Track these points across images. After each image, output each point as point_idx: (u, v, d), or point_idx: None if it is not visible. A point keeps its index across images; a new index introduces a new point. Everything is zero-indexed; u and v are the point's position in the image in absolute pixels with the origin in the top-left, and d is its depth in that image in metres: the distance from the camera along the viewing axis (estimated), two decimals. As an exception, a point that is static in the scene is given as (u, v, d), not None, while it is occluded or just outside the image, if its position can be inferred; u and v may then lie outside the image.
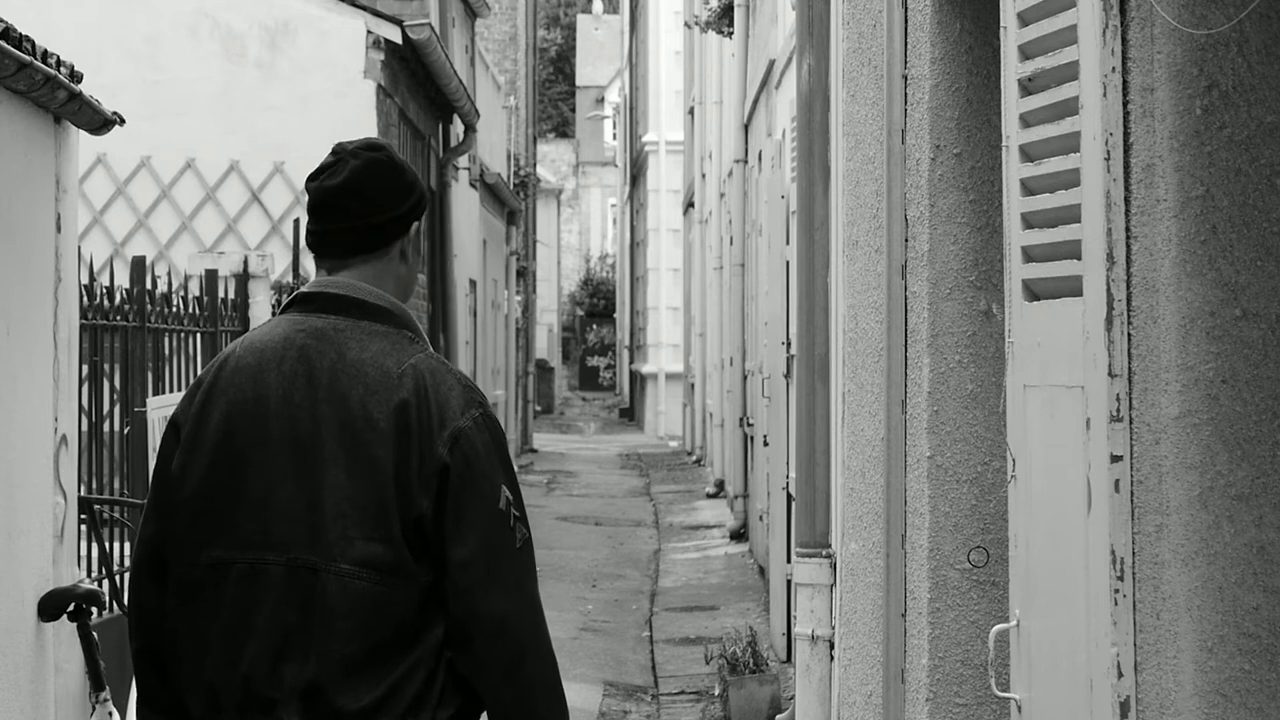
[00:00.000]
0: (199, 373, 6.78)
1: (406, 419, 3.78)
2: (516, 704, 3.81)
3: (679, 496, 24.64)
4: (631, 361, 46.45)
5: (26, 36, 5.69)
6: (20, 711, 5.92)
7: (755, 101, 16.66)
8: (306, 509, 3.79)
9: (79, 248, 6.74)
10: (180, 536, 3.87)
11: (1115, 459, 3.91)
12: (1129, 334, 3.91)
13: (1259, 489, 3.74)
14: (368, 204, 3.92)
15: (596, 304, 59.45)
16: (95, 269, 8.05)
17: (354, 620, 3.75)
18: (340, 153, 3.94)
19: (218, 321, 9.45)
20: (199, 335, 9.20)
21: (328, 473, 3.79)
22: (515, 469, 3.93)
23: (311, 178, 3.95)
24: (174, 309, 8.78)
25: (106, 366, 7.87)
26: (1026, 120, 4.43)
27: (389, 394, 3.80)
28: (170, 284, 8.89)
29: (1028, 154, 4.43)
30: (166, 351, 8.66)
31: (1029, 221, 4.44)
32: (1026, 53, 4.43)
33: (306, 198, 3.97)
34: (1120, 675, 3.90)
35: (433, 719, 3.77)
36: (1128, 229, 3.91)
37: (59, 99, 6.08)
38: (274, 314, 10.09)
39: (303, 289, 3.97)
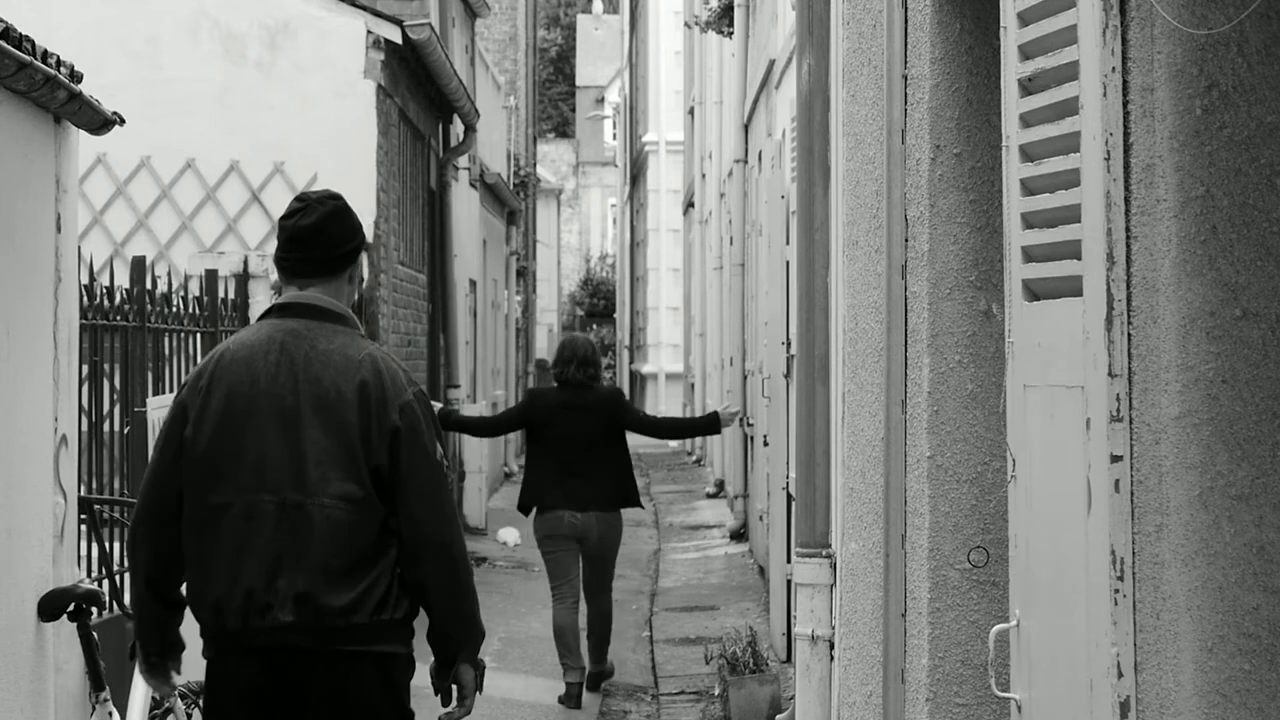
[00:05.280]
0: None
1: (367, 393, 5.10)
2: (452, 607, 5.16)
3: (679, 496, 24.64)
4: (631, 361, 46.45)
5: (26, 36, 5.69)
6: (20, 711, 5.92)
7: (755, 101, 16.66)
8: (292, 460, 5.06)
9: (79, 248, 6.74)
10: (191, 486, 5.13)
11: (1115, 459, 3.91)
12: (1129, 334, 3.91)
13: (1259, 489, 3.74)
14: (332, 240, 5.25)
15: (596, 304, 59.44)
16: (95, 269, 8.04)
17: (334, 540, 5.03)
18: (307, 200, 5.28)
19: (218, 321, 9.45)
20: (199, 335, 9.20)
21: (308, 434, 5.08)
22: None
23: (285, 217, 5.27)
24: (174, 309, 8.77)
25: (106, 366, 7.87)
26: (1026, 120, 4.43)
27: (352, 375, 5.12)
28: (170, 284, 8.88)
29: (1028, 154, 4.43)
30: (166, 351, 8.66)
31: (1029, 221, 4.44)
32: (1026, 53, 4.43)
33: (279, 233, 5.27)
34: (1120, 675, 3.90)
35: (391, 617, 5.08)
36: (1128, 229, 3.91)
37: (59, 99, 6.08)
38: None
39: (278, 301, 5.29)
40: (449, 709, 5.27)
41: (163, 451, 5.24)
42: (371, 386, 5.08)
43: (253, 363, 5.14)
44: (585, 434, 11.35)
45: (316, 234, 5.23)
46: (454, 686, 5.25)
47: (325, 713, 5.08)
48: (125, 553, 5.43)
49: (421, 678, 5.24)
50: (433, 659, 5.24)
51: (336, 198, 5.32)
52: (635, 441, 12.02)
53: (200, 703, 7.07)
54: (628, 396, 55.90)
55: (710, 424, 12.40)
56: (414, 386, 5.17)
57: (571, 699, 11.25)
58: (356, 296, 5.45)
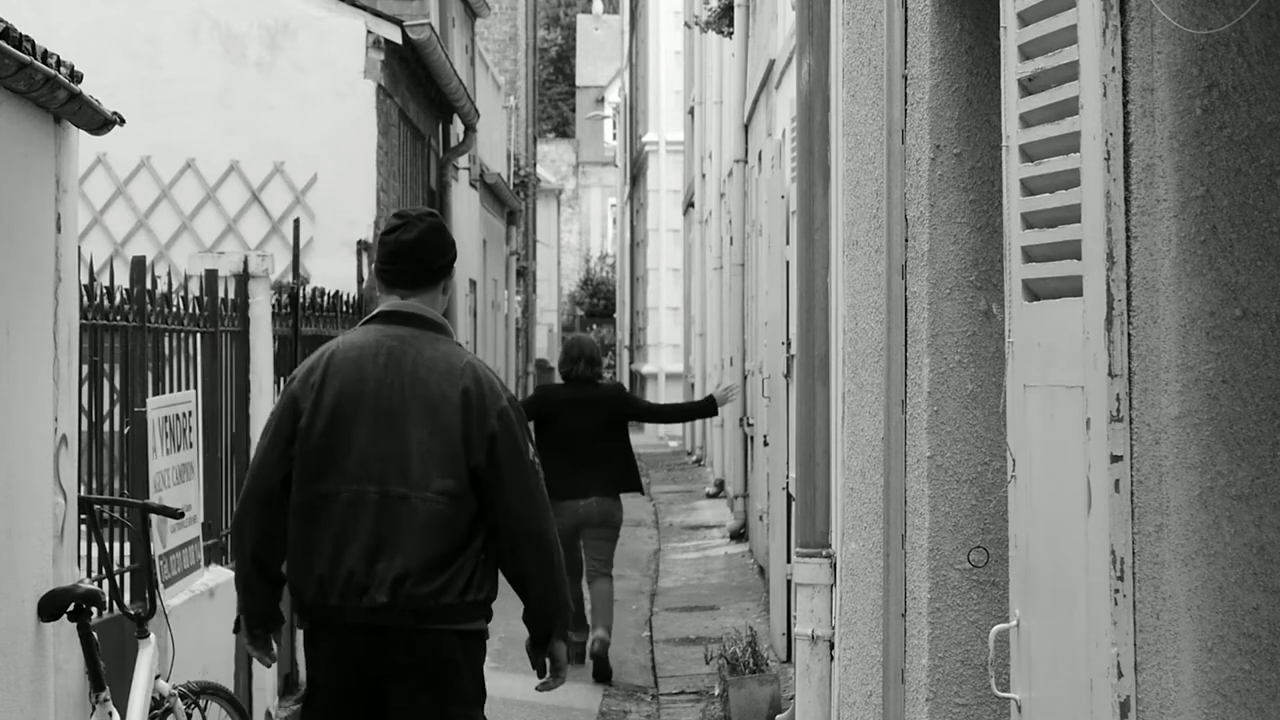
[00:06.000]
0: (200, 371, 9.13)
1: (469, 399, 5.65)
2: (548, 590, 5.71)
3: (679, 496, 24.63)
4: (631, 361, 46.44)
5: (26, 36, 5.69)
6: (20, 711, 5.92)
7: (755, 101, 16.65)
8: (397, 456, 5.62)
9: (79, 248, 6.74)
10: (303, 473, 5.67)
11: (1115, 459, 3.91)
12: (1129, 334, 3.91)
13: (1259, 489, 3.74)
14: (431, 252, 5.80)
15: (596, 304, 59.45)
16: (95, 269, 8.03)
17: (434, 529, 5.59)
18: (408, 216, 5.82)
19: (218, 321, 9.45)
20: (199, 335, 9.20)
21: (414, 433, 5.63)
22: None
23: (388, 232, 5.80)
24: (174, 309, 8.76)
25: (106, 366, 7.86)
26: (1026, 120, 4.43)
27: (456, 381, 5.67)
28: (170, 284, 8.87)
29: (1028, 154, 4.43)
30: (166, 351, 8.65)
31: (1029, 221, 4.44)
32: (1026, 53, 4.43)
33: (380, 247, 5.81)
34: (1120, 675, 3.90)
35: (474, 598, 5.63)
36: (1128, 229, 3.91)
37: (59, 99, 6.08)
38: (274, 314, 10.11)
39: (382, 308, 5.82)
40: (545, 680, 5.89)
41: (273, 440, 5.77)
42: (473, 394, 5.64)
43: (362, 364, 5.71)
44: (590, 426, 12.18)
45: (416, 248, 5.78)
46: (548, 661, 5.85)
47: (414, 682, 5.62)
48: (231, 533, 6.29)
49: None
50: (529, 637, 5.84)
51: (434, 215, 5.90)
52: (634, 440, 12.27)
53: (200, 703, 7.08)
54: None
55: (708, 406, 13.33)
56: (507, 393, 5.75)
57: (577, 656, 11.80)
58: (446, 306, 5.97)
